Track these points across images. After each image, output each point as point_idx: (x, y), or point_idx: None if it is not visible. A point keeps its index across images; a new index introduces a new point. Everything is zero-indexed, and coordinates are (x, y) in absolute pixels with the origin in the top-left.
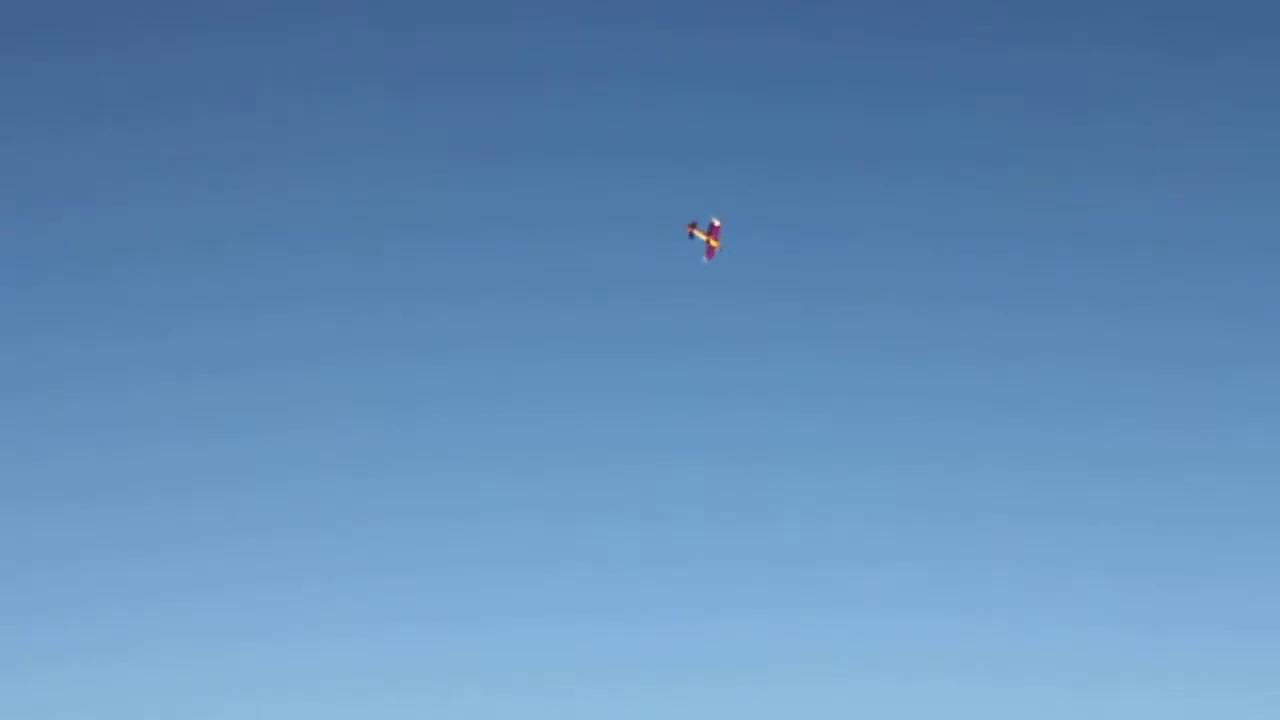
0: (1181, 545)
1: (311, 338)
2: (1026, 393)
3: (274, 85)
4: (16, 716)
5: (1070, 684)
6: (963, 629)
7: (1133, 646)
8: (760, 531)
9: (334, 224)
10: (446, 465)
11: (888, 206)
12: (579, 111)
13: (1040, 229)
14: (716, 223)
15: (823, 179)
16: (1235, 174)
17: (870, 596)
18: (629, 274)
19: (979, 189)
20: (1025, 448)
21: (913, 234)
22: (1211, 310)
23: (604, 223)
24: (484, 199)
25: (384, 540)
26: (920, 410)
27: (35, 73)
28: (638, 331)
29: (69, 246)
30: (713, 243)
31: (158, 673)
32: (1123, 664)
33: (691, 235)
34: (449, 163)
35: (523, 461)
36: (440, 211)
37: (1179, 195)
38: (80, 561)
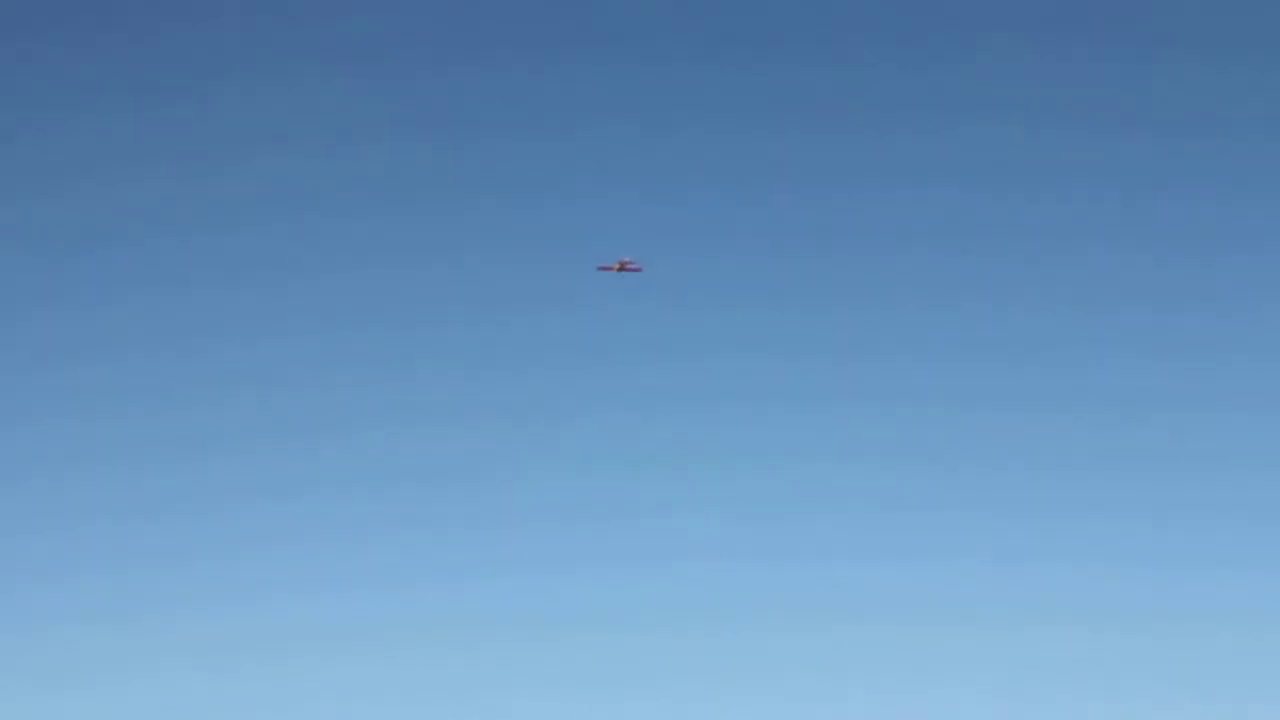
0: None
1: (304, 312)
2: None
3: (269, 65)
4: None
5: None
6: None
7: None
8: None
9: (327, 198)
10: (447, 427)
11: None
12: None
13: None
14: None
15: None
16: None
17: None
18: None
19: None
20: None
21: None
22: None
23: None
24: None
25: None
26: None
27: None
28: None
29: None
30: (626, 267)
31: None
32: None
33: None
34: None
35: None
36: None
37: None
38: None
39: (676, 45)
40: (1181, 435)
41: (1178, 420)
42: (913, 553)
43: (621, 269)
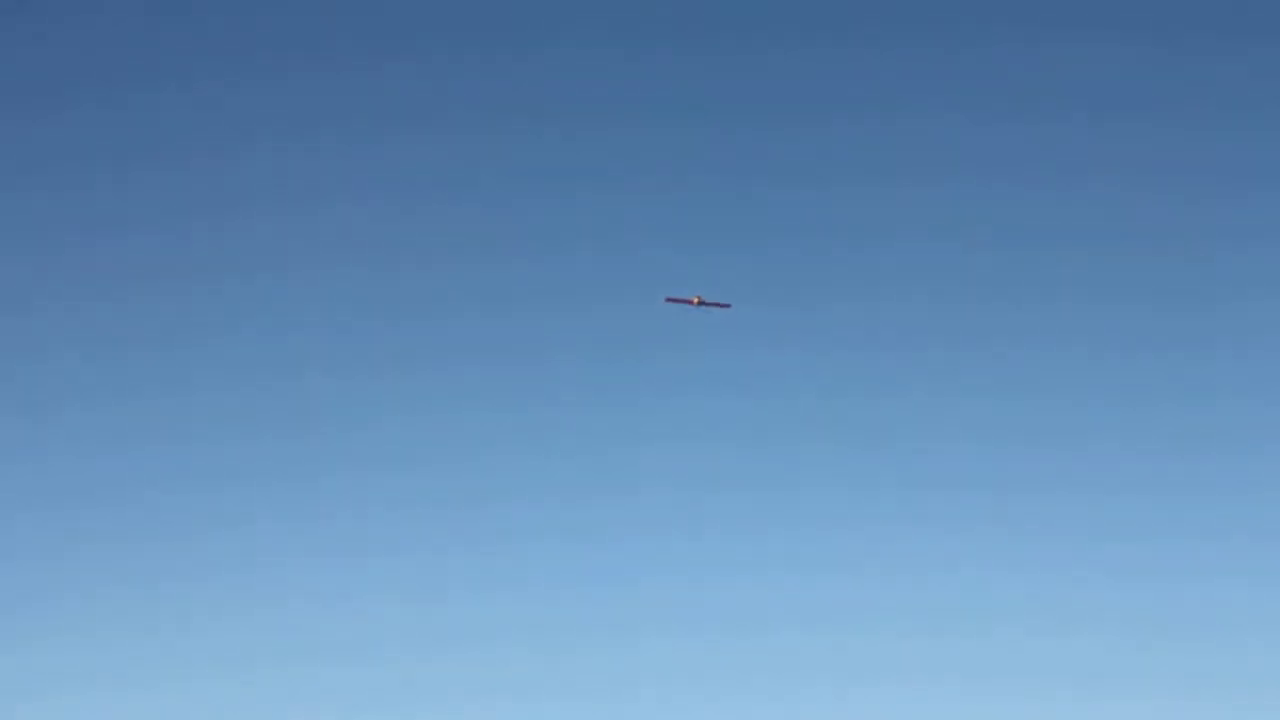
0: None
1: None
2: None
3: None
4: None
5: None
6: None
7: None
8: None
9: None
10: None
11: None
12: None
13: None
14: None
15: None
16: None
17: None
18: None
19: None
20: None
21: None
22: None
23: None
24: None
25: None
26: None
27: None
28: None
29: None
30: (705, 303)
31: None
32: None
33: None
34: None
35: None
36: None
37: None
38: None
39: (757, 104)
40: (1177, 445)
41: (1174, 426)
42: (923, 565)
43: (700, 304)
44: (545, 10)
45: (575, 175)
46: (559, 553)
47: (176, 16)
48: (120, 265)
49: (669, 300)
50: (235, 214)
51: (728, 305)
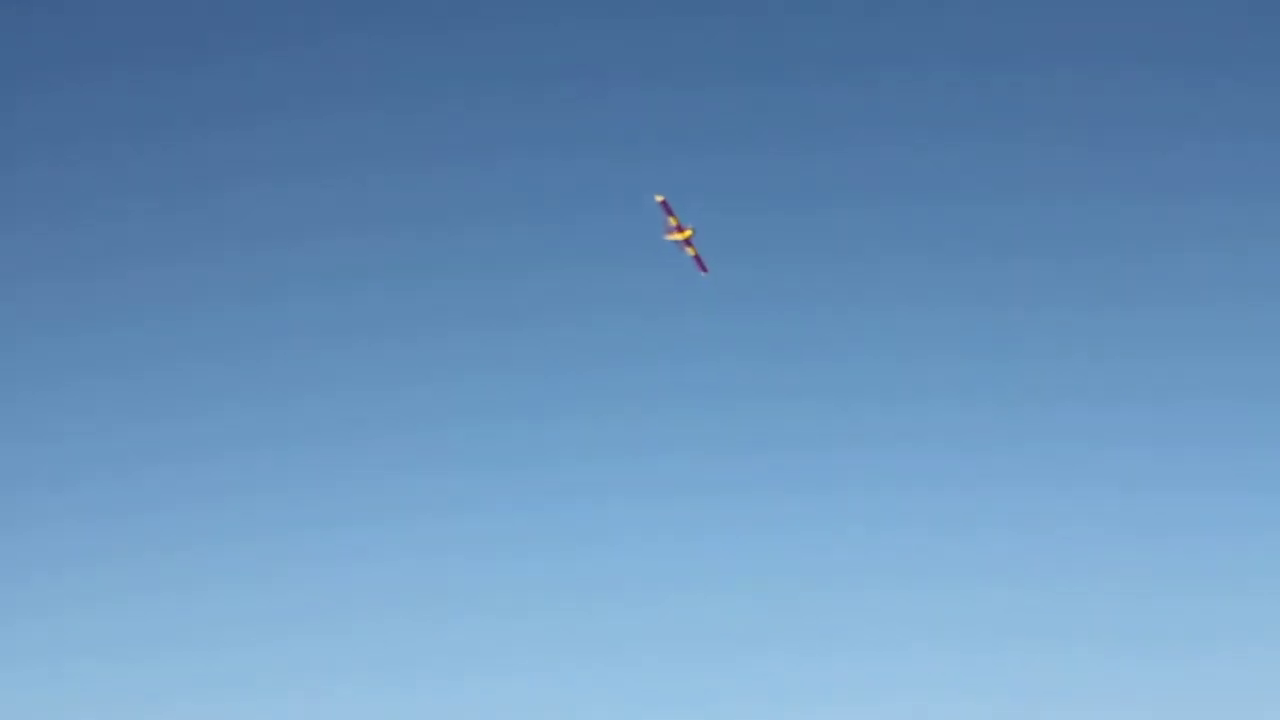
0: None
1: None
2: None
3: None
4: None
5: None
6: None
7: None
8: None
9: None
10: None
11: None
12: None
13: None
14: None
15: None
16: None
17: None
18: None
19: None
20: None
21: None
22: None
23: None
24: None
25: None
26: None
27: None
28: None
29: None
30: (691, 244)
31: None
32: None
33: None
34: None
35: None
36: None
37: None
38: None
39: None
40: (1174, 440)
41: (1171, 427)
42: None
43: (687, 242)
44: None
45: (570, 138)
46: (554, 552)
47: None
48: (110, 237)
49: (662, 203)
50: (228, 184)
51: (705, 270)
